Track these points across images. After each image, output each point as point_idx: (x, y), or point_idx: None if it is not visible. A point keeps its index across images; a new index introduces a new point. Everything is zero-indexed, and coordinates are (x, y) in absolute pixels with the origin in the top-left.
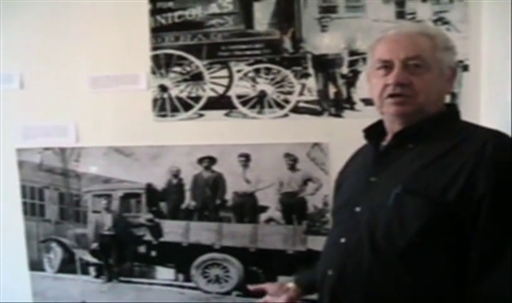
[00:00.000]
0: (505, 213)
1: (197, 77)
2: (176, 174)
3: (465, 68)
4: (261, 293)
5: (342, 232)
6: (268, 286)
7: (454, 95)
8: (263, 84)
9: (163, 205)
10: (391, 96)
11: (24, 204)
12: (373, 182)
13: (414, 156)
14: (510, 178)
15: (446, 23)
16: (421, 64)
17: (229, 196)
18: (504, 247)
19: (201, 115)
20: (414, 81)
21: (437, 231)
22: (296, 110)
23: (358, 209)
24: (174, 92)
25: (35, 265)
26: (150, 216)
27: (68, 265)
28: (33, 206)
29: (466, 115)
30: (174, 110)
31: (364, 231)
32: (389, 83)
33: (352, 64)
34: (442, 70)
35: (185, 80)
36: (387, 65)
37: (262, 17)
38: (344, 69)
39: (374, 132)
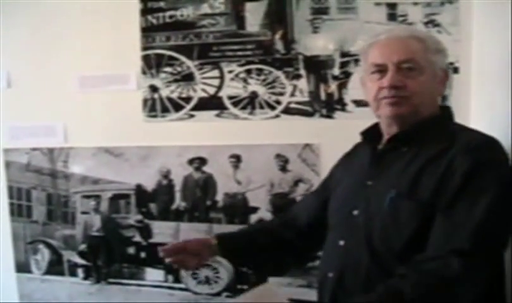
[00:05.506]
0: (470, 199)
1: (188, 78)
2: (166, 175)
3: (455, 70)
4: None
5: (341, 235)
6: (188, 244)
7: (444, 97)
8: (255, 85)
9: (153, 206)
10: (386, 97)
11: (11, 205)
12: (369, 186)
13: (408, 160)
14: (483, 172)
15: (437, 25)
16: (415, 66)
17: (219, 197)
18: (460, 226)
19: (192, 116)
20: (408, 83)
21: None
22: (288, 111)
23: (355, 212)
24: (164, 92)
25: (22, 267)
26: (139, 217)
27: (56, 267)
28: (20, 207)
29: (456, 117)
30: (165, 110)
31: (362, 235)
32: (384, 86)
33: (343, 65)
34: (435, 72)
35: (176, 80)
36: (381, 69)
37: (254, 18)
38: (336, 71)
39: (371, 134)
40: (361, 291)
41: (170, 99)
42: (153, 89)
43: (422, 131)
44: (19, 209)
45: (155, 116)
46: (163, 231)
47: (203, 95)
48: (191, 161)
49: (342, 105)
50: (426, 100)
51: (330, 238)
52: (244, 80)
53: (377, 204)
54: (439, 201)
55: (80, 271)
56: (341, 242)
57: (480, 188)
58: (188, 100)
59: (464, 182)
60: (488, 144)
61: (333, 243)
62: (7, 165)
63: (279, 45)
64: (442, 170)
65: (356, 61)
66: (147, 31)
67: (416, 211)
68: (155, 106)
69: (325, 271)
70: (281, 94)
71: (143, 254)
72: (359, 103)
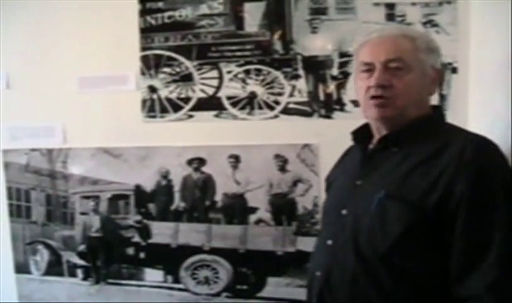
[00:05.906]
0: (483, 215)
1: (187, 78)
2: (165, 175)
3: (454, 70)
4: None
5: (330, 234)
6: None
7: (442, 97)
8: (254, 86)
9: (152, 206)
10: (373, 97)
11: (11, 205)
12: (359, 186)
13: (398, 161)
14: (488, 181)
15: (435, 25)
16: (402, 65)
17: (218, 197)
18: (483, 248)
19: (190, 116)
20: (394, 83)
21: (418, 235)
22: (286, 111)
23: (344, 212)
24: (163, 93)
25: (21, 268)
26: (138, 217)
27: (55, 267)
28: (19, 208)
29: (455, 117)
30: (164, 111)
31: (349, 235)
32: (371, 85)
33: (342, 65)
34: (425, 71)
35: (175, 81)
36: (369, 68)
37: (252, 18)
38: (334, 71)
39: (362, 134)
40: (347, 292)
41: (169, 99)
42: (152, 89)
43: (413, 132)
44: (18, 210)
45: (154, 116)
46: (162, 232)
47: (202, 95)
48: (190, 162)
49: (341, 105)
50: (414, 99)
51: (321, 237)
52: (243, 80)
53: (365, 204)
54: (442, 213)
55: (79, 272)
56: (329, 242)
57: (490, 201)
58: (186, 100)
59: (470, 195)
60: (485, 148)
61: (322, 243)
62: (7, 165)
63: (278, 46)
64: (436, 174)
65: None
66: (146, 31)
67: (403, 212)
68: (154, 107)
69: (313, 270)
70: (280, 94)
71: (142, 255)
72: (357, 103)
